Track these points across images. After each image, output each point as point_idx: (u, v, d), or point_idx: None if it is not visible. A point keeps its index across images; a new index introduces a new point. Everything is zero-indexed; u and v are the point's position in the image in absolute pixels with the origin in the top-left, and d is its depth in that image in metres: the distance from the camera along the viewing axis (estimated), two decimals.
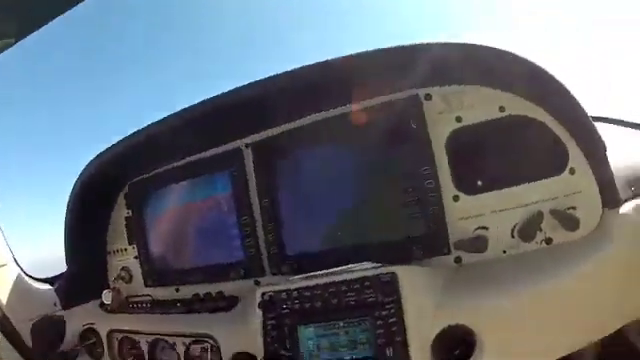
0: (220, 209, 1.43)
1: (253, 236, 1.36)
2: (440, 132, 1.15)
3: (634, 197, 1.01)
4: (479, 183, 1.12)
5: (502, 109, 1.11)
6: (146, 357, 1.44)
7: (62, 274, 1.64)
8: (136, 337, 1.46)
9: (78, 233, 1.59)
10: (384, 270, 1.08)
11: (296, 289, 1.15)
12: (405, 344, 1.03)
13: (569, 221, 1.03)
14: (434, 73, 1.10)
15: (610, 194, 1.01)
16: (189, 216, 1.49)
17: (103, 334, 1.53)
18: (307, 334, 1.11)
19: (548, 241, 1.06)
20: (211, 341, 1.29)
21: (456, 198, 1.14)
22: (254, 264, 1.36)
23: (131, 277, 1.60)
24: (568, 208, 1.04)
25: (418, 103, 1.17)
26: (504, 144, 1.10)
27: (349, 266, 1.16)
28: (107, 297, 1.57)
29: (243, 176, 1.39)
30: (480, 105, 1.13)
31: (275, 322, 1.14)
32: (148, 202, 1.57)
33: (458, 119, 1.15)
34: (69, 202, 1.54)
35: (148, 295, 1.51)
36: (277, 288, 1.17)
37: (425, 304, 1.04)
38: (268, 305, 1.15)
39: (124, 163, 1.51)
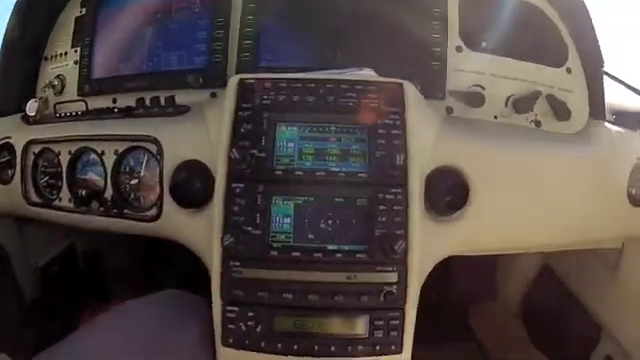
0: (192, 9, 1.15)
1: (224, 40, 1.10)
2: None
3: (614, 123, 1.06)
4: (484, 44, 1.07)
5: None
6: (64, 175, 1.13)
7: None
8: (57, 148, 1.14)
9: (20, 29, 1.27)
10: (390, 79, 0.89)
11: (284, 79, 0.88)
12: (405, 162, 0.83)
13: (562, 110, 1.03)
14: None
15: (598, 105, 1.05)
16: (152, 16, 1.18)
17: (19, 147, 1.20)
18: (288, 135, 0.85)
19: (537, 123, 1.05)
20: (152, 147, 1.00)
21: (459, 49, 1.06)
22: (217, 72, 1.09)
23: (63, 87, 1.27)
24: (562, 101, 1.04)
25: None
26: (513, 22, 1.08)
27: (349, 69, 0.94)
28: (32, 107, 1.23)
29: None
30: None
31: (250, 115, 0.86)
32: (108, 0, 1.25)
33: None
34: None
35: (81, 101, 1.19)
36: (260, 76, 0.90)
37: (426, 131, 0.89)
38: (245, 93, 0.87)
39: None
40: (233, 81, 0.89)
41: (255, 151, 0.84)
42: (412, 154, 0.84)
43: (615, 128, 1.06)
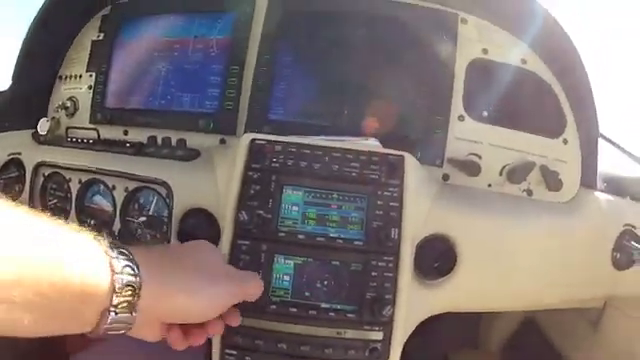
0: (208, 53, 1.18)
1: (237, 89, 1.14)
2: (465, 54, 1.13)
3: (605, 191, 1.12)
4: (485, 114, 1.11)
5: (524, 62, 1.13)
6: (73, 201, 1.18)
7: None
8: (68, 174, 1.18)
9: (36, 46, 1.31)
10: (392, 151, 0.95)
11: (294, 143, 0.94)
12: (399, 233, 0.90)
13: (555, 181, 1.07)
14: (479, 5, 1.13)
15: (590, 175, 1.10)
16: (168, 53, 1.22)
17: (29, 167, 1.24)
18: (293, 198, 0.91)
19: (529, 193, 1.09)
20: (162, 189, 1.05)
21: (461, 118, 1.11)
22: (227, 119, 1.13)
23: (76, 110, 1.30)
24: (554, 171, 1.08)
25: (455, 22, 1.13)
26: (516, 92, 1.12)
27: (353, 138, 1.00)
28: (43, 126, 1.28)
29: (249, 22, 1.17)
30: (507, 49, 1.13)
31: (259, 176, 0.92)
32: (127, 29, 1.28)
33: (484, 51, 1.13)
34: (39, 11, 1.27)
35: (94, 129, 1.22)
36: (270, 137, 0.95)
37: (421, 202, 0.95)
38: (255, 154, 0.93)
39: None
40: (245, 140, 0.94)
41: (262, 212, 0.89)
42: (406, 227, 0.90)
43: (605, 196, 1.11)
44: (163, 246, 0.85)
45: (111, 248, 0.58)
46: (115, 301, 0.56)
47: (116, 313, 0.57)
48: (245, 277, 0.79)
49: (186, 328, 0.72)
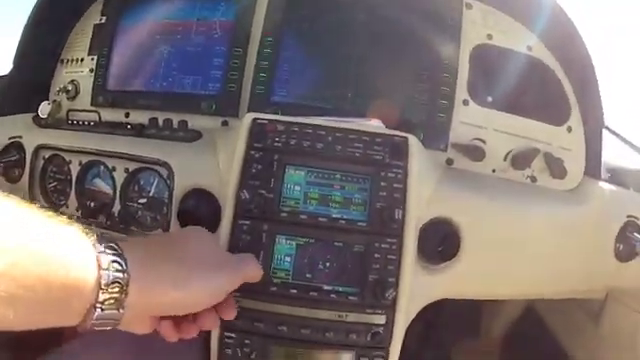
0: (211, 35, 1.18)
1: (240, 70, 1.13)
2: (470, 39, 1.12)
3: (609, 181, 1.10)
4: (490, 99, 1.10)
5: (529, 49, 1.12)
6: (73, 183, 1.16)
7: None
8: (68, 156, 1.17)
9: (38, 30, 1.30)
10: (396, 132, 0.94)
11: (296, 123, 0.93)
12: (403, 215, 0.88)
13: (559, 168, 1.06)
14: None
15: (594, 164, 1.09)
16: (171, 35, 1.21)
17: (29, 149, 1.23)
18: (296, 178, 0.90)
19: (533, 179, 1.09)
20: (163, 170, 1.04)
21: (465, 102, 1.10)
22: (230, 101, 1.13)
23: (77, 93, 1.29)
24: (558, 159, 1.07)
25: (459, 7, 1.13)
26: (521, 78, 1.11)
27: (357, 119, 0.99)
28: (44, 109, 1.26)
29: (252, 4, 1.16)
30: (512, 35, 1.13)
31: (261, 156, 0.90)
32: (130, 12, 1.27)
33: (489, 36, 1.13)
34: None
35: (95, 111, 1.22)
36: (272, 117, 0.94)
37: (425, 184, 0.94)
38: (257, 133, 0.92)
39: None
40: (247, 119, 0.93)
41: (263, 191, 0.88)
42: (410, 208, 0.89)
43: (608, 186, 1.10)
44: (156, 236, 0.83)
45: (99, 242, 0.56)
46: (101, 297, 0.54)
47: (102, 310, 0.55)
48: (242, 260, 0.77)
49: (178, 321, 0.71)
